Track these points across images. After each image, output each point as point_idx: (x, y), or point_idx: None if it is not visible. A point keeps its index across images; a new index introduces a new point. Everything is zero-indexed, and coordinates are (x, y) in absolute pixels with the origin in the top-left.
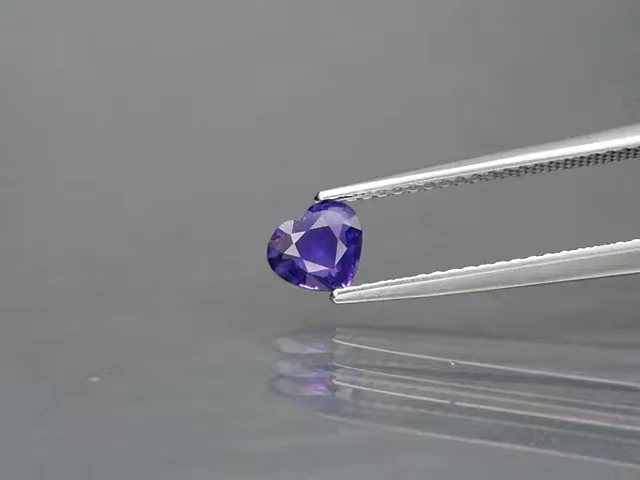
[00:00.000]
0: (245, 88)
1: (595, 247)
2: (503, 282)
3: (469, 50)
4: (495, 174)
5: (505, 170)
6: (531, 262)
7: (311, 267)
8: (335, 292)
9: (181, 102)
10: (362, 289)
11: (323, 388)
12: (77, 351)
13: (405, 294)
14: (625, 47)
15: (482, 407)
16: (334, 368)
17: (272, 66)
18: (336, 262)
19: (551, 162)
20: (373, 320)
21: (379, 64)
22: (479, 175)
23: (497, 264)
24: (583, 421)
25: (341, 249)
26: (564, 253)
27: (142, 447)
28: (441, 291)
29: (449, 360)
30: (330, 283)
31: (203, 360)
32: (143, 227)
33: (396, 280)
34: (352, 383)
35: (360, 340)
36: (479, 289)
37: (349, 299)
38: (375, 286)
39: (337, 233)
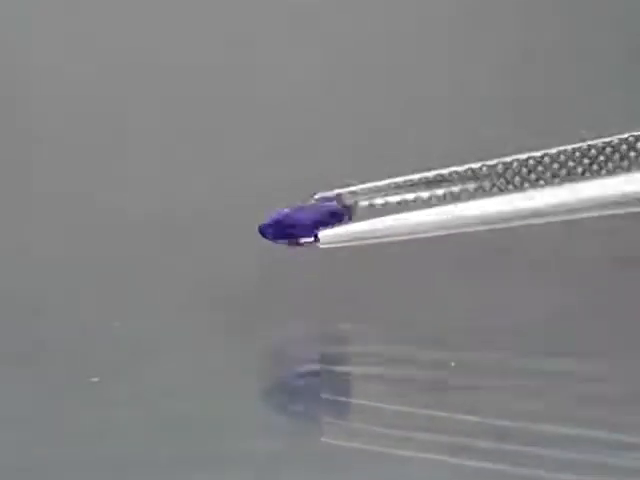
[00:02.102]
0: (245, 88)
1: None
2: (482, 220)
3: (469, 50)
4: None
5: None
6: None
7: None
8: (320, 234)
9: (181, 102)
10: (346, 229)
11: (323, 386)
12: (77, 351)
13: (391, 234)
14: (626, 47)
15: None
16: (334, 367)
17: (272, 66)
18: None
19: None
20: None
21: (379, 64)
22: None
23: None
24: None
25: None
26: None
27: (142, 447)
28: (426, 230)
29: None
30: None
31: (203, 360)
32: (143, 227)
33: (381, 219)
34: (351, 381)
35: (360, 339)
36: (461, 229)
37: (333, 241)
38: (360, 225)
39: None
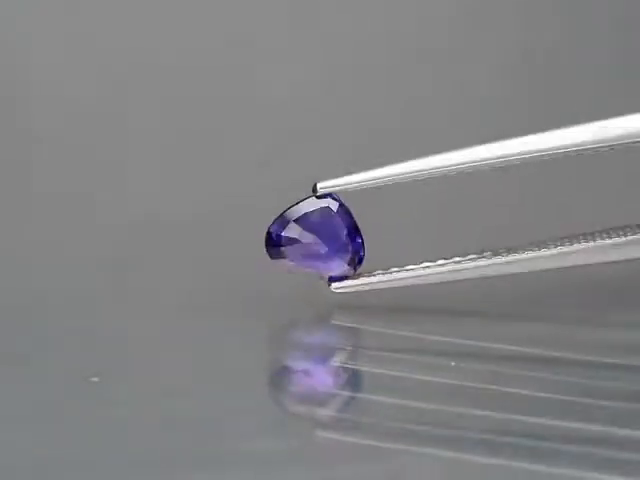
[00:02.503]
0: (245, 88)
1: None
2: (493, 271)
3: (469, 50)
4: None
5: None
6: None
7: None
8: (333, 285)
9: (181, 102)
10: (359, 282)
11: (323, 386)
12: (77, 351)
13: (402, 284)
14: (626, 46)
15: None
16: (334, 367)
17: (272, 66)
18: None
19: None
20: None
21: (378, 64)
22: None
23: (485, 254)
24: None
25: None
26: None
27: (142, 447)
28: (439, 280)
29: (450, 361)
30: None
31: (203, 360)
32: (143, 227)
33: (393, 270)
34: (352, 379)
35: (361, 334)
36: (471, 277)
37: (346, 287)
38: (372, 276)
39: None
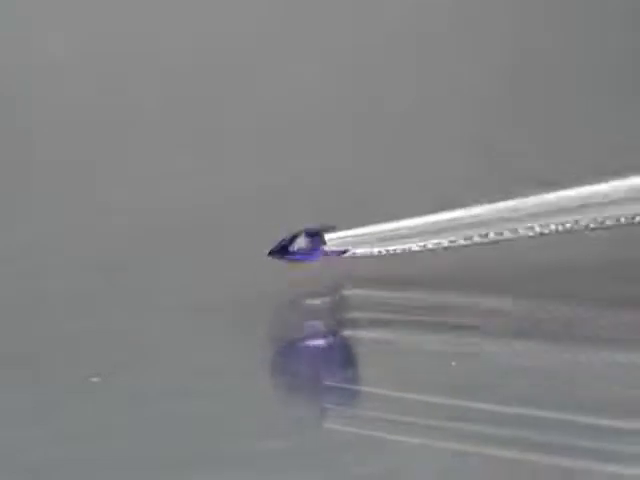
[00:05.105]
0: (245, 88)
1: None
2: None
3: (468, 50)
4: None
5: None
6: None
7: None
8: (326, 237)
9: (181, 101)
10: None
11: (325, 378)
12: (77, 351)
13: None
14: (627, 46)
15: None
16: (336, 357)
17: (272, 66)
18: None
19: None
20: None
21: (378, 64)
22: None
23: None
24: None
25: None
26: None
27: (142, 447)
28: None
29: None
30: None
31: (203, 360)
32: (143, 227)
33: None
34: (355, 371)
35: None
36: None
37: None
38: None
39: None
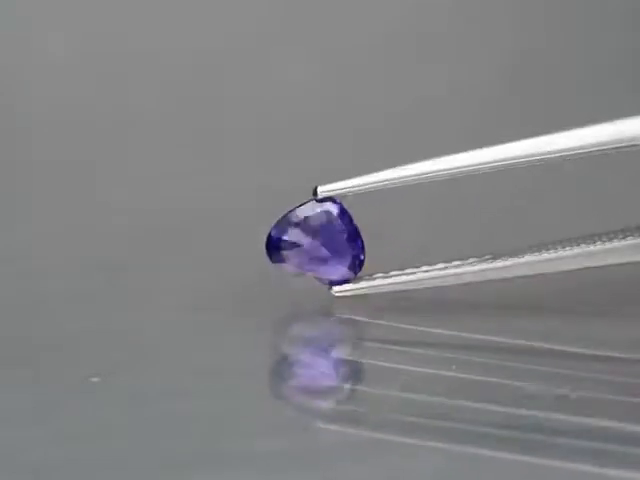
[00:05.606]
0: (245, 88)
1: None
2: (493, 275)
3: (468, 49)
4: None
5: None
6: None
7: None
8: (334, 288)
9: (181, 101)
10: (360, 286)
11: (325, 379)
12: (77, 351)
13: (402, 287)
14: (626, 46)
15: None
16: (336, 359)
17: (272, 66)
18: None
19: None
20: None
21: (378, 64)
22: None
23: (485, 258)
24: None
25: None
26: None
27: (142, 447)
28: (440, 283)
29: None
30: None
31: (203, 360)
32: (143, 227)
33: (393, 273)
34: (353, 377)
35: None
36: (472, 280)
37: (347, 291)
38: (373, 279)
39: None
